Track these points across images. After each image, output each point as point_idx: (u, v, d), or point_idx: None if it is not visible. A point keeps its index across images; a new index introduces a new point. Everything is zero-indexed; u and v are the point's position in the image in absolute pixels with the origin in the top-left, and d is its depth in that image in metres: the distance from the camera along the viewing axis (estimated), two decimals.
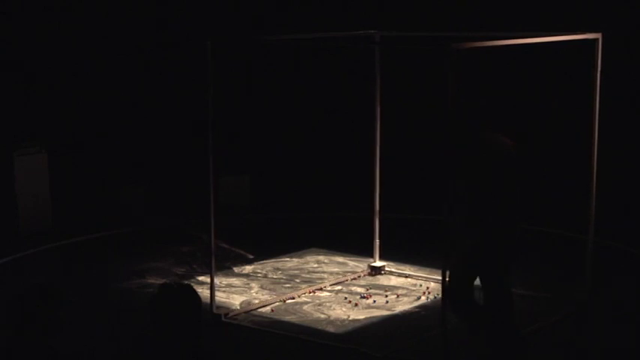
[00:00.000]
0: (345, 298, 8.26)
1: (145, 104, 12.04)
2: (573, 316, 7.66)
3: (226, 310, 7.83)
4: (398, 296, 8.30)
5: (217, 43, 7.52)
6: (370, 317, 7.76)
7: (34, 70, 11.31)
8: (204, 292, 7.69)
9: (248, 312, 7.87)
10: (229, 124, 11.90)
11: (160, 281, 8.36)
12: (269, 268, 9.27)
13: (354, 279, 8.80)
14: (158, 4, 12.09)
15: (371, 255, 9.06)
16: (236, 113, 12.29)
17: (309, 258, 9.65)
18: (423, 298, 8.26)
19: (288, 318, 7.74)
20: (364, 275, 8.91)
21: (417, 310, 7.97)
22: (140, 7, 11.92)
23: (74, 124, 11.64)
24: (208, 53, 7.29)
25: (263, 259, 9.56)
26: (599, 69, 7.45)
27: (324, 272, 9.10)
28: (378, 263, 8.99)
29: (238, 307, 7.97)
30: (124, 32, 11.84)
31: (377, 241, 9.01)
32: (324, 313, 7.85)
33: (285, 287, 8.58)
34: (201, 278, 8.78)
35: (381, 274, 8.91)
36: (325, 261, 9.53)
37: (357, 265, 9.30)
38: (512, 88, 11.26)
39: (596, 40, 7.44)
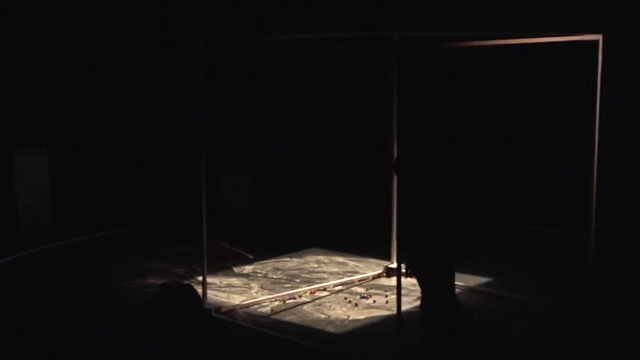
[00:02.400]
0: (345, 298, 8.26)
1: (144, 104, 12.03)
2: (573, 316, 7.65)
3: (216, 305, 7.83)
4: None
5: (216, 44, 7.52)
6: (370, 317, 7.76)
7: (34, 70, 11.31)
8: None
9: (240, 308, 7.87)
10: (230, 124, 11.90)
11: (160, 281, 8.35)
12: (269, 268, 9.26)
13: (364, 280, 8.77)
14: (158, 5, 12.09)
15: (371, 255, 9.04)
16: (236, 113, 12.28)
17: (309, 258, 9.65)
18: None
19: (288, 318, 7.74)
20: (380, 277, 8.87)
21: (417, 310, 7.93)
22: (140, 8, 11.92)
23: (74, 124, 11.64)
24: (201, 52, 7.29)
25: (263, 260, 9.56)
26: (599, 70, 7.43)
27: (324, 272, 9.10)
28: (396, 265, 8.92)
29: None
30: (124, 32, 11.84)
31: (394, 242, 8.94)
32: (324, 313, 7.84)
33: (285, 287, 8.57)
34: (201, 278, 8.75)
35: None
36: (325, 261, 9.52)
37: (357, 265, 9.29)
38: (513, 88, 11.26)
39: (597, 41, 7.43)
